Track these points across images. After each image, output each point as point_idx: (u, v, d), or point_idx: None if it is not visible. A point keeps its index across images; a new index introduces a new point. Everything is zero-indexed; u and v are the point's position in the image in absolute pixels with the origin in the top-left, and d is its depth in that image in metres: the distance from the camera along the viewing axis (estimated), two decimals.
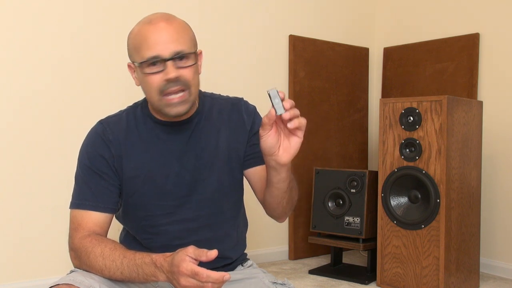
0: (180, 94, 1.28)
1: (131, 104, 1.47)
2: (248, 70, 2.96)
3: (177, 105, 1.28)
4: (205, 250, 1.11)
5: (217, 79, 2.77)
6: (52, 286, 1.19)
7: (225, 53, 2.87)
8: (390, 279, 2.46)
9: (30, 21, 2.31)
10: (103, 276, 1.23)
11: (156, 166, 1.37)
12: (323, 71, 3.20)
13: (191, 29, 1.35)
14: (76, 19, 2.42)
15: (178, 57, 1.26)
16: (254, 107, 1.51)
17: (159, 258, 1.16)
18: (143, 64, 1.27)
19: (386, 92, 3.37)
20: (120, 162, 1.35)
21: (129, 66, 1.36)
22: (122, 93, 2.51)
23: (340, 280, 2.63)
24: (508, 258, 2.74)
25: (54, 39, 2.37)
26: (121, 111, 1.45)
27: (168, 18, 1.30)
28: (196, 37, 1.38)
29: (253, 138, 1.45)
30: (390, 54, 3.37)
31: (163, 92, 1.27)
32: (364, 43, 3.45)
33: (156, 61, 1.26)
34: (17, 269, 2.30)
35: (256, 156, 1.45)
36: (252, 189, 1.51)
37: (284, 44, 3.08)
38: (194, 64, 1.30)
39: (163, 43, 1.25)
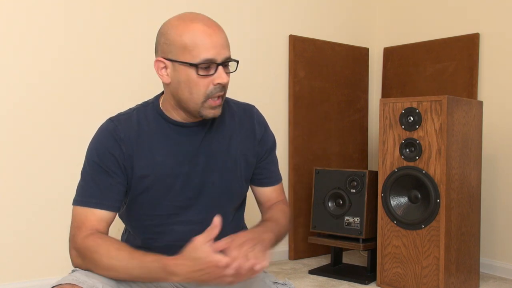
0: (220, 98, 1.32)
1: (139, 102, 1.46)
2: (248, 70, 2.95)
3: (217, 107, 1.32)
4: (208, 231, 1.14)
5: None
6: (54, 286, 1.19)
7: None
8: (390, 279, 2.46)
9: (36, 21, 2.31)
10: (108, 276, 1.23)
11: (167, 166, 1.36)
12: (323, 71, 3.20)
13: None
14: (82, 18, 2.42)
15: (226, 63, 1.29)
16: (265, 120, 1.54)
17: (170, 263, 1.16)
18: (199, 66, 1.26)
19: (386, 92, 3.38)
20: (130, 161, 1.34)
21: (159, 61, 1.32)
22: (126, 94, 2.51)
23: (340, 280, 2.63)
24: (508, 258, 2.74)
25: (60, 38, 2.37)
26: (130, 109, 1.43)
27: (215, 22, 1.31)
28: None
29: (265, 156, 1.49)
30: (390, 54, 3.37)
31: (209, 96, 1.29)
32: (364, 43, 3.45)
33: (211, 64, 1.27)
34: (17, 269, 2.30)
35: (268, 176, 1.51)
36: (257, 203, 1.58)
37: (284, 44, 3.08)
38: (233, 71, 1.33)
39: (220, 47, 1.27)
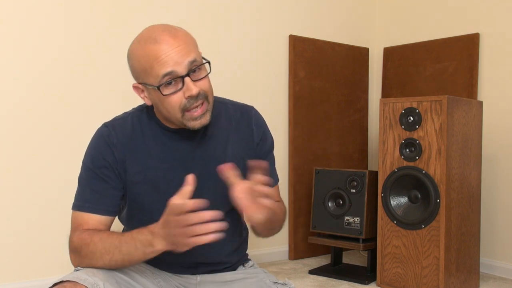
0: (201, 106, 1.28)
1: (135, 106, 1.46)
2: (248, 70, 2.96)
3: (200, 117, 1.28)
4: (182, 190, 1.15)
5: (217, 79, 2.76)
6: (56, 283, 1.20)
7: (225, 53, 2.87)
8: (390, 279, 2.46)
9: (36, 21, 2.31)
10: (103, 261, 1.24)
11: (160, 172, 1.36)
12: (323, 71, 3.20)
13: (191, 35, 1.33)
14: (82, 18, 2.42)
15: (193, 70, 1.25)
16: (265, 121, 1.50)
17: (156, 225, 1.19)
18: (161, 86, 1.24)
19: (386, 92, 3.38)
20: (123, 166, 1.35)
21: (135, 87, 1.33)
22: (126, 94, 2.51)
23: (340, 280, 2.63)
24: (508, 258, 2.74)
25: (60, 38, 2.37)
26: (126, 113, 1.43)
27: (170, 30, 1.26)
28: (196, 38, 1.37)
29: (261, 158, 1.46)
30: (390, 54, 3.37)
31: (186, 109, 1.26)
32: (364, 43, 3.45)
33: (173, 79, 1.23)
34: (17, 269, 2.30)
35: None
36: None
37: (284, 44, 3.08)
38: (209, 73, 1.30)
39: (178, 58, 1.22)
